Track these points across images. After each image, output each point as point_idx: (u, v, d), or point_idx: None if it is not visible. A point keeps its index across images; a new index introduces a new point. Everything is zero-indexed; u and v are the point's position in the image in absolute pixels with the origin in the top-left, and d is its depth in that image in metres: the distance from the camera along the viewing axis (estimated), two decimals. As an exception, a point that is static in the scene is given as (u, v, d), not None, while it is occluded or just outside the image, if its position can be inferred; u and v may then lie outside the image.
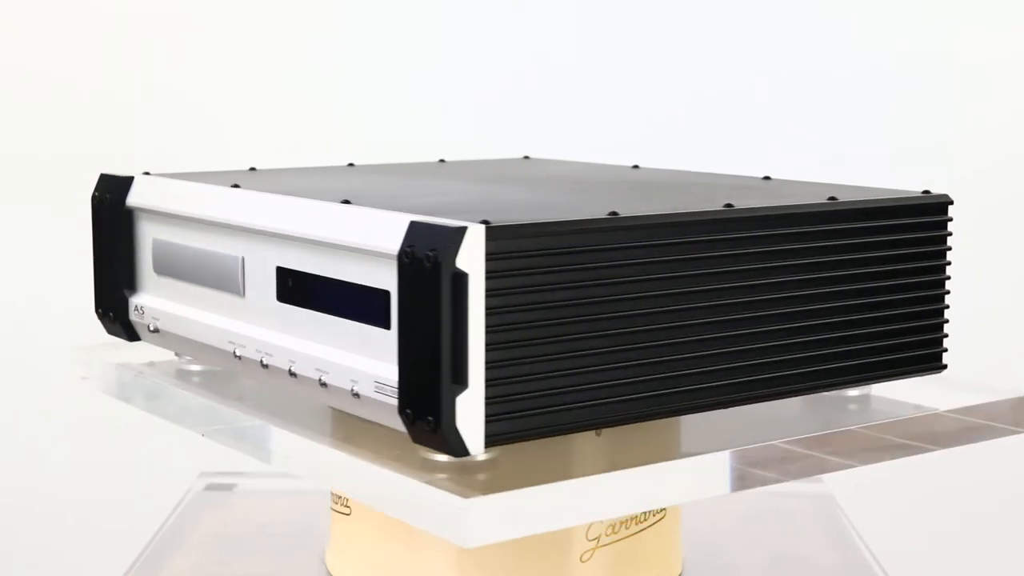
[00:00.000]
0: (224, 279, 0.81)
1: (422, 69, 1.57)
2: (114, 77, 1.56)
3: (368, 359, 0.70)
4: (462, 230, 0.63)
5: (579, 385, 0.68)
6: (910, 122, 1.56)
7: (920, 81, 1.56)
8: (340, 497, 0.85)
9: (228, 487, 1.11)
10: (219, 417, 0.82)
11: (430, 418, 0.64)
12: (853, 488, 1.16)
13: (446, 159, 1.06)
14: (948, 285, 0.81)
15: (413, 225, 0.65)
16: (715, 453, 0.72)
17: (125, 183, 0.89)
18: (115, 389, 0.92)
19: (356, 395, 0.70)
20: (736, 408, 0.76)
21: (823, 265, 0.76)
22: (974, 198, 1.55)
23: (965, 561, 1.58)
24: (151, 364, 0.91)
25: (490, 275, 0.64)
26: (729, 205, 0.74)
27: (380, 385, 0.68)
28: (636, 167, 0.98)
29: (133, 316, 0.88)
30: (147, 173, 0.90)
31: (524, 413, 0.67)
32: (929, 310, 0.80)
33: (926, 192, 0.81)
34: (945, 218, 0.80)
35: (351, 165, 1.01)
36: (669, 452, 0.77)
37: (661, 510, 0.83)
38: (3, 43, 1.57)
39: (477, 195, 0.81)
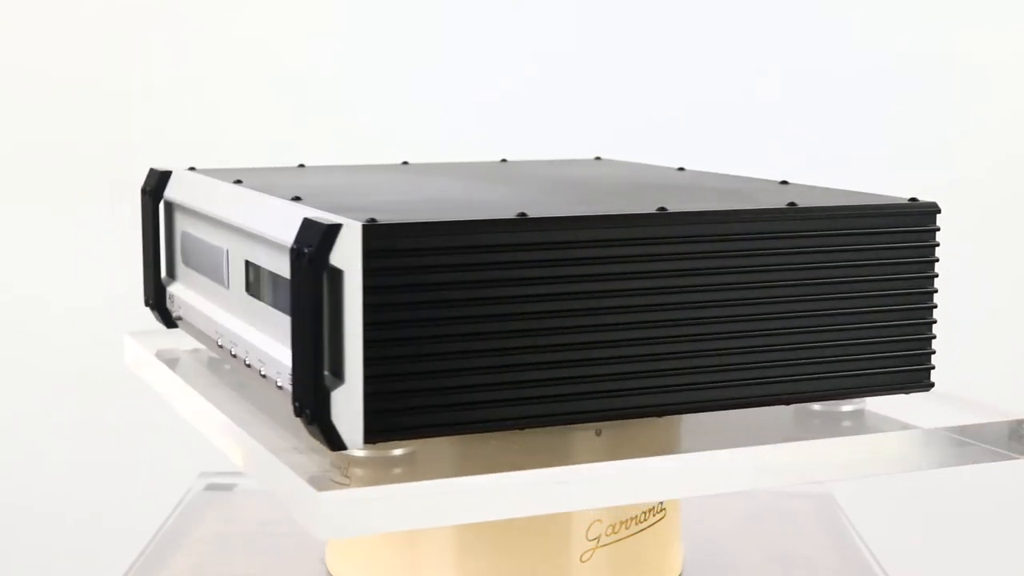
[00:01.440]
0: (215, 271, 0.84)
1: (422, 69, 1.57)
2: (114, 77, 1.56)
3: (286, 350, 0.71)
4: (336, 227, 0.64)
5: (469, 386, 0.68)
6: (910, 122, 1.56)
7: (920, 81, 1.56)
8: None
9: (228, 487, 1.11)
10: (200, 408, 0.83)
11: (308, 411, 0.66)
12: (853, 488, 1.16)
13: (508, 159, 1.05)
14: (938, 297, 0.77)
15: (305, 222, 0.66)
16: (611, 463, 0.70)
17: (165, 177, 0.92)
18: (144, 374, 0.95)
19: (280, 387, 0.71)
20: (732, 418, 0.76)
21: (779, 273, 0.74)
22: (974, 199, 1.55)
23: (965, 561, 1.58)
24: (195, 351, 0.93)
25: (369, 272, 0.65)
26: (662, 208, 0.72)
27: (290, 377, 0.69)
28: (682, 169, 0.97)
29: (168, 304, 0.92)
30: (192, 168, 0.93)
31: (408, 411, 0.67)
32: (914, 324, 0.77)
33: (913, 199, 0.78)
34: (932, 227, 0.77)
35: (405, 163, 1.02)
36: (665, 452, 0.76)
37: (661, 509, 0.83)
38: (2, 42, 1.57)
39: (442, 194, 0.81)
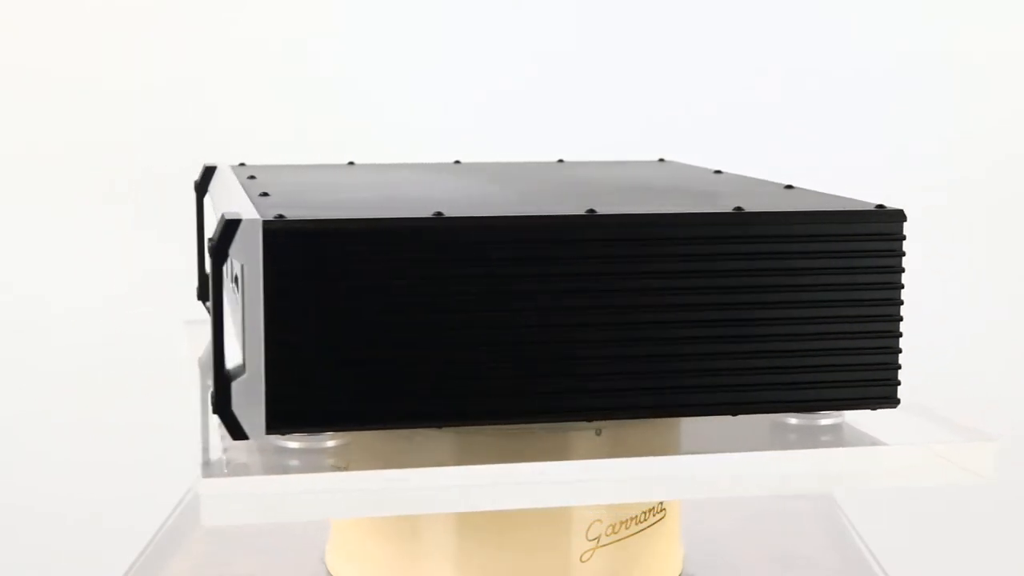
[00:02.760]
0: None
1: (422, 69, 1.57)
2: (114, 75, 1.56)
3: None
4: (235, 223, 0.66)
5: (366, 382, 0.68)
6: (910, 122, 1.56)
7: (920, 81, 1.56)
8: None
9: (228, 487, 1.11)
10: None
11: (213, 401, 0.68)
12: (853, 488, 1.15)
13: (565, 159, 1.05)
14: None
15: (221, 217, 0.68)
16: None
17: (210, 173, 0.94)
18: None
19: None
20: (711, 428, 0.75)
21: (724, 279, 0.71)
22: (975, 200, 1.55)
23: (965, 561, 1.58)
24: None
25: (269, 267, 0.67)
26: (591, 211, 0.71)
27: None
28: (719, 172, 0.95)
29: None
30: (242, 164, 0.95)
31: (309, 404, 0.68)
32: (878, 338, 0.73)
33: (880, 206, 0.74)
34: (898, 235, 0.73)
35: (457, 162, 1.02)
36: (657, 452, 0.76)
37: (661, 509, 0.83)
38: (2, 42, 1.57)
39: (415, 193, 0.81)
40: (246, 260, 0.67)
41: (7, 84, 1.56)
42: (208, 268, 0.68)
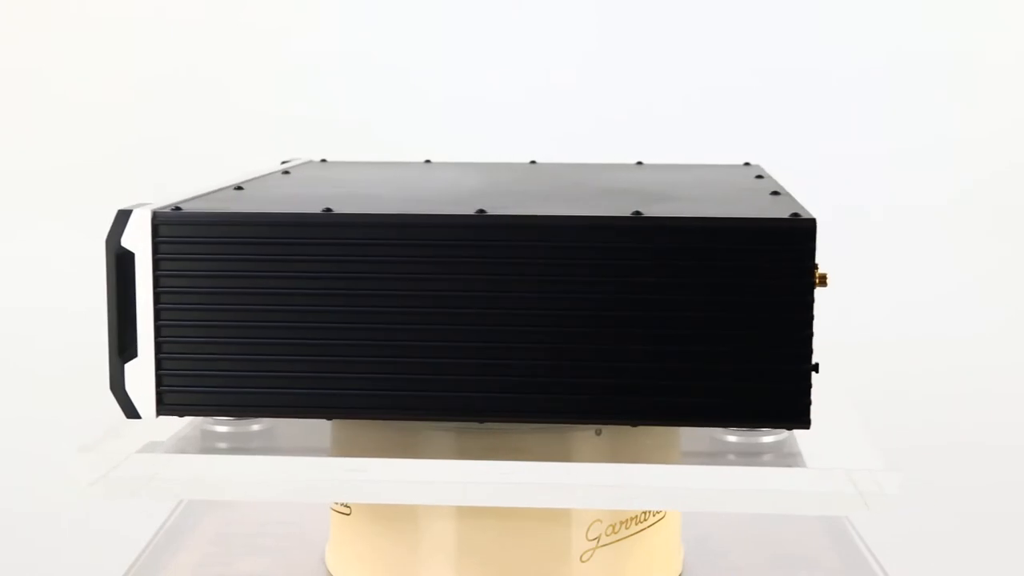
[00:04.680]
0: None
1: (422, 69, 1.57)
2: (114, 75, 1.56)
3: None
4: (127, 213, 0.70)
5: (253, 371, 0.72)
6: (910, 123, 1.56)
7: (920, 81, 1.56)
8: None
9: (228, 487, 1.11)
10: None
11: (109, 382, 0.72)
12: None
13: (644, 162, 1.03)
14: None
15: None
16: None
17: None
18: None
19: None
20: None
21: (618, 285, 0.69)
22: (976, 202, 1.55)
23: (965, 561, 1.58)
24: None
25: (159, 257, 0.71)
26: (481, 211, 0.71)
27: None
28: (759, 177, 0.91)
29: None
30: (324, 160, 0.99)
31: (198, 388, 0.72)
32: (786, 354, 0.69)
33: (795, 215, 0.69)
34: (808, 247, 0.68)
35: (533, 163, 1.02)
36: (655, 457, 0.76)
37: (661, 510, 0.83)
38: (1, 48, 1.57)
39: (367, 191, 0.84)
40: (137, 248, 0.70)
41: (6, 86, 1.56)
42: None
